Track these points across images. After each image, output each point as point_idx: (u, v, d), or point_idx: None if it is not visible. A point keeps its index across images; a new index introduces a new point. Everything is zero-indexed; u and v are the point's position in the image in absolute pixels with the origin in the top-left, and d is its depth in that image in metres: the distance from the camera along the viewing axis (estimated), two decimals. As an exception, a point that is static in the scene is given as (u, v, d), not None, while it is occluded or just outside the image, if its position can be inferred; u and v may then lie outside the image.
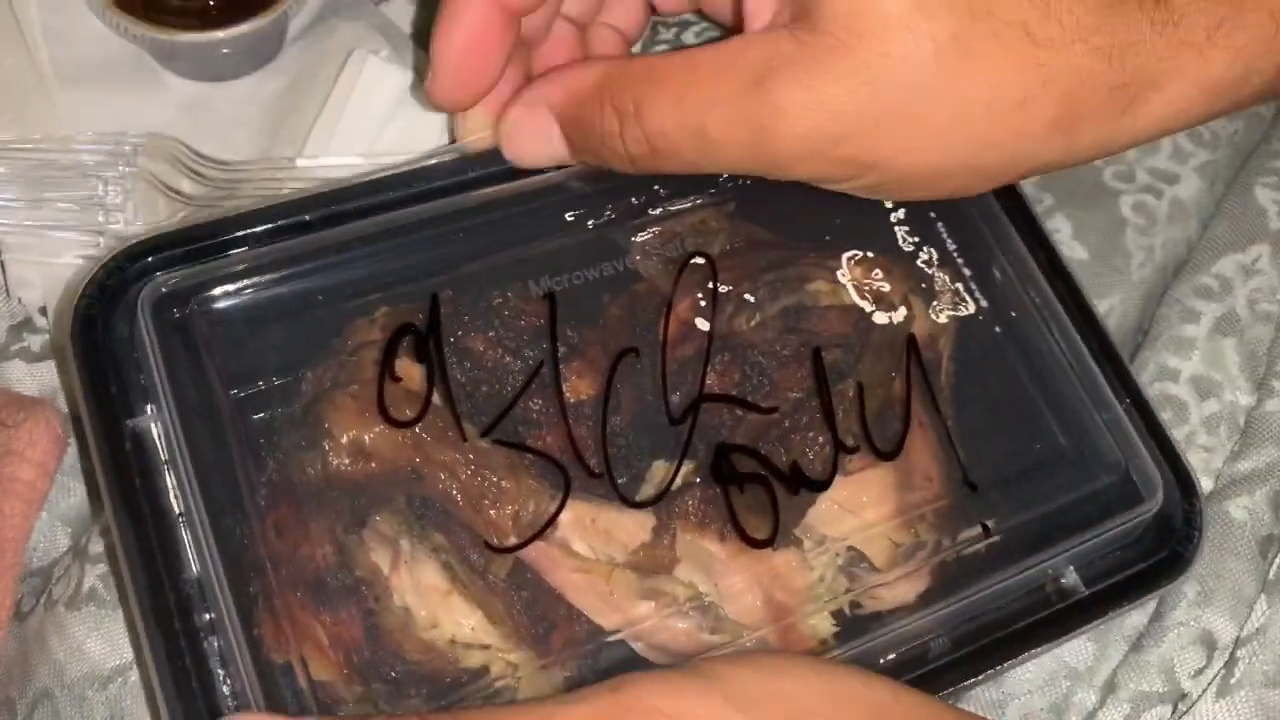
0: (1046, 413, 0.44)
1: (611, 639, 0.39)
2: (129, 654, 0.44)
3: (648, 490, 0.41)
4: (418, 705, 0.37)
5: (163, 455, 0.39)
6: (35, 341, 0.51)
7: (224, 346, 0.41)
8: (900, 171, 0.39)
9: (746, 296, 0.44)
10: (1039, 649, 0.41)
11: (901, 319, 0.45)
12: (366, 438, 0.39)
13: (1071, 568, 0.42)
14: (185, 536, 0.38)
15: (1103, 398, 0.44)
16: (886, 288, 0.45)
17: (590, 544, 0.39)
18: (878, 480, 0.42)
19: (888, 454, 0.41)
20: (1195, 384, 0.49)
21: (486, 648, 0.38)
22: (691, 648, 0.39)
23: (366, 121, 0.52)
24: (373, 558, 0.39)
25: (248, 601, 0.37)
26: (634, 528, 0.39)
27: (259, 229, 0.43)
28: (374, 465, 0.39)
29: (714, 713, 0.31)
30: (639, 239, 0.46)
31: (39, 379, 0.51)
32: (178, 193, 0.50)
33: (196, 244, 0.42)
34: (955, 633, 0.40)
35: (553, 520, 0.39)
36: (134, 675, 0.44)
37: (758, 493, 0.40)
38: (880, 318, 0.44)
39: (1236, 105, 0.39)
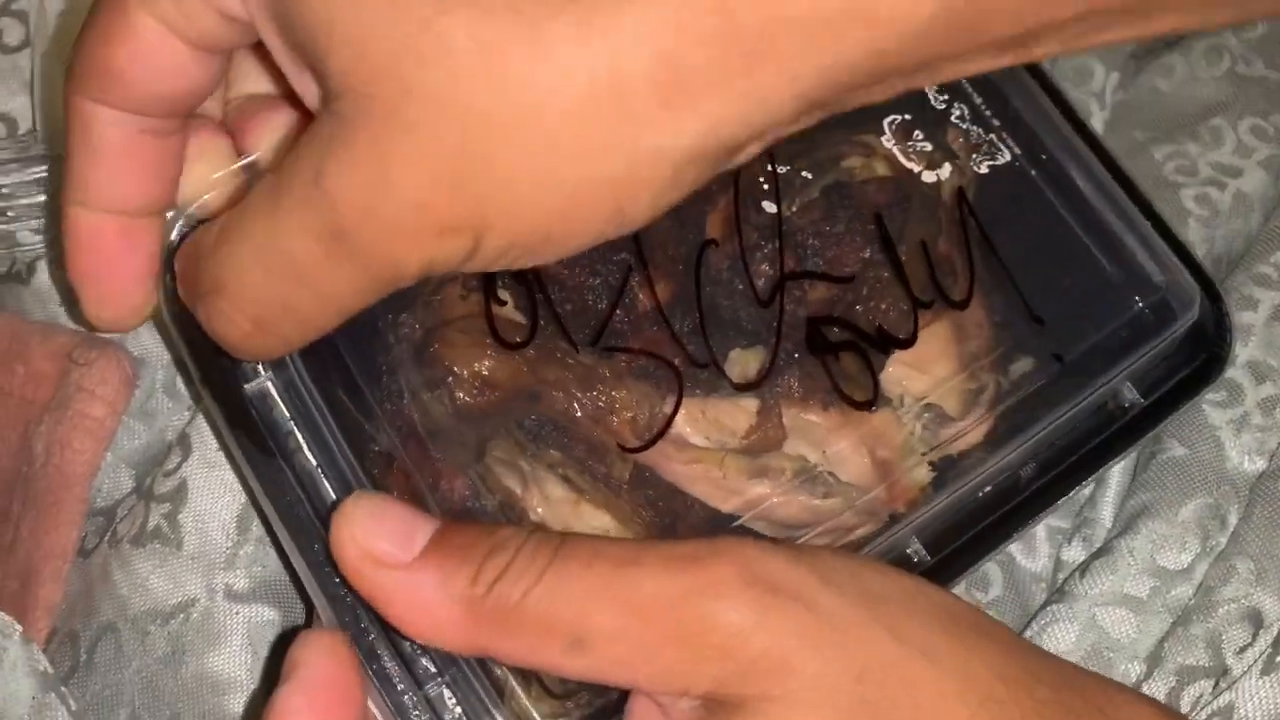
0: (1090, 244, 0.48)
1: (732, 522, 0.43)
2: (191, 591, 0.46)
3: (749, 373, 0.44)
4: None
5: (287, 413, 0.40)
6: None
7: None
8: (518, 227, 0.29)
9: (782, 181, 0.47)
10: (1114, 461, 0.47)
11: (948, 174, 0.48)
12: (485, 368, 0.42)
13: (1129, 384, 0.46)
14: (327, 488, 0.40)
15: (1135, 223, 0.48)
16: (929, 146, 0.48)
17: (704, 435, 0.43)
18: (937, 336, 0.46)
19: (961, 303, 0.45)
20: (1252, 368, 0.51)
21: None
22: (808, 517, 0.43)
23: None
24: (505, 482, 0.42)
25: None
26: (740, 413, 0.43)
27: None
28: (495, 394, 0.42)
29: (800, 578, 0.32)
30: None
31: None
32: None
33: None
34: (1040, 460, 0.45)
35: (671, 419, 0.41)
36: (196, 612, 0.46)
37: (851, 359, 0.44)
38: (929, 176, 0.48)
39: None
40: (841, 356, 0.44)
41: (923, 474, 0.45)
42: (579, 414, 0.42)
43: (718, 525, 0.43)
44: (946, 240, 0.47)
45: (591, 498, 0.42)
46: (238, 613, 0.45)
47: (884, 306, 0.45)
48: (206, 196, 0.38)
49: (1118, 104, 0.59)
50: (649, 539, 0.41)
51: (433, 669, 0.37)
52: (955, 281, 0.46)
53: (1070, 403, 0.45)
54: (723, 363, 0.45)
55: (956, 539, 0.44)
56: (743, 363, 0.45)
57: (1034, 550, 0.50)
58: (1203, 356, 0.47)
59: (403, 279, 0.30)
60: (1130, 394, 0.47)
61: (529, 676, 0.37)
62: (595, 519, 0.42)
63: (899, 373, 0.45)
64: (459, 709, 0.37)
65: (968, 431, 0.45)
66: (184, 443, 0.47)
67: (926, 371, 0.45)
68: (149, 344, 0.50)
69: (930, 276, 0.46)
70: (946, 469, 0.45)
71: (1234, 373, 0.51)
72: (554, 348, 0.42)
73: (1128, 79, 0.58)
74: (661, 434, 0.42)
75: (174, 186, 0.37)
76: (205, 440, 0.47)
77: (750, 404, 0.43)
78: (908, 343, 0.44)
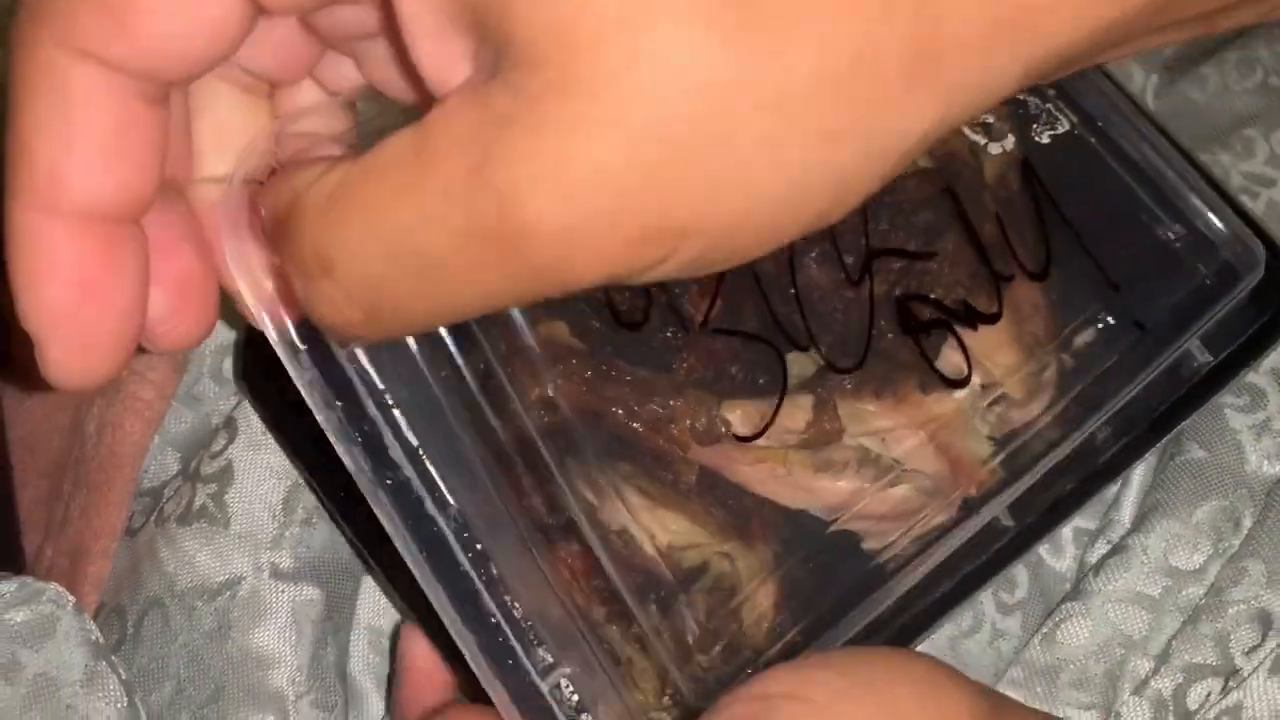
0: (1155, 208, 0.49)
1: (805, 519, 0.45)
2: (238, 568, 0.47)
3: (803, 374, 0.46)
4: (654, 612, 0.41)
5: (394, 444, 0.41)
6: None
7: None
8: (725, 225, 0.25)
9: None
10: (1186, 420, 0.48)
11: (1012, 145, 0.49)
12: (549, 393, 0.43)
13: (1199, 343, 0.47)
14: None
15: (1197, 184, 0.48)
16: (991, 119, 0.49)
17: (764, 435, 0.44)
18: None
19: (1039, 274, 0.46)
20: (1275, 375, 0.52)
21: (699, 545, 0.44)
22: (875, 507, 0.44)
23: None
24: (584, 495, 0.44)
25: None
26: (796, 410, 0.44)
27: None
28: (559, 416, 0.43)
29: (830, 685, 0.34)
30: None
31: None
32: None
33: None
34: (1114, 424, 0.46)
35: (779, 407, 0.44)
36: (242, 589, 0.47)
37: (905, 346, 0.45)
38: (994, 148, 0.48)
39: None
40: (899, 343, 0.45)
41: (987, 453, 0.46)
42: (640, 427, 0.44)
43: (787, 519, 0.45)
44: (994, 222, 0.48)
45: (665, 503, 0.43)
46: (283, 591, 0.47)
47: (970, 280, 0.45)
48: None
49: (1152, 114, 0.60)
50: (722, 533, 0.43)
51: (549, 659, 0.40)
52: (1005, 266, 0.47)
53: (1146, 369, 0.46)
54: (781, 368, 0.46)
55: (1034, 509, 0.45)
56: (799, 366, 0.46)
57: (1060, 550, 0.52)
58: (1270, 313, 0.48)
59: (569, 290, 0.25)
60: (1202, 356, 0.47)
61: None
62: (672, 522, 0.43)
63: (956, 358, 0.46)
64: (575, 697, 0.40)
65: (1034, 411, 0.46)
66: (230, 426, 0.49)
67: (984, 354, 0.46)
68: (197, 329, 0.52)
69: (1008, 248, 0.46)
70: (1016, 448, 0.46)
71: (1256, 378, 0.52)
72: (610, 366, 0.44)
73: (1163, 88, 0.59)
74: (717, 439, 0.43)
75: (160, 177, 0.28)
76: (251, 423, 0.48)
77: (805, 400, 0.44)
78: (995, 317, 0.45)
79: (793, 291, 0.47)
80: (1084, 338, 0.48)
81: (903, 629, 0.42)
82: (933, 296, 0.46)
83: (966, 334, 0.46)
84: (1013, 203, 0.50)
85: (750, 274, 0.48)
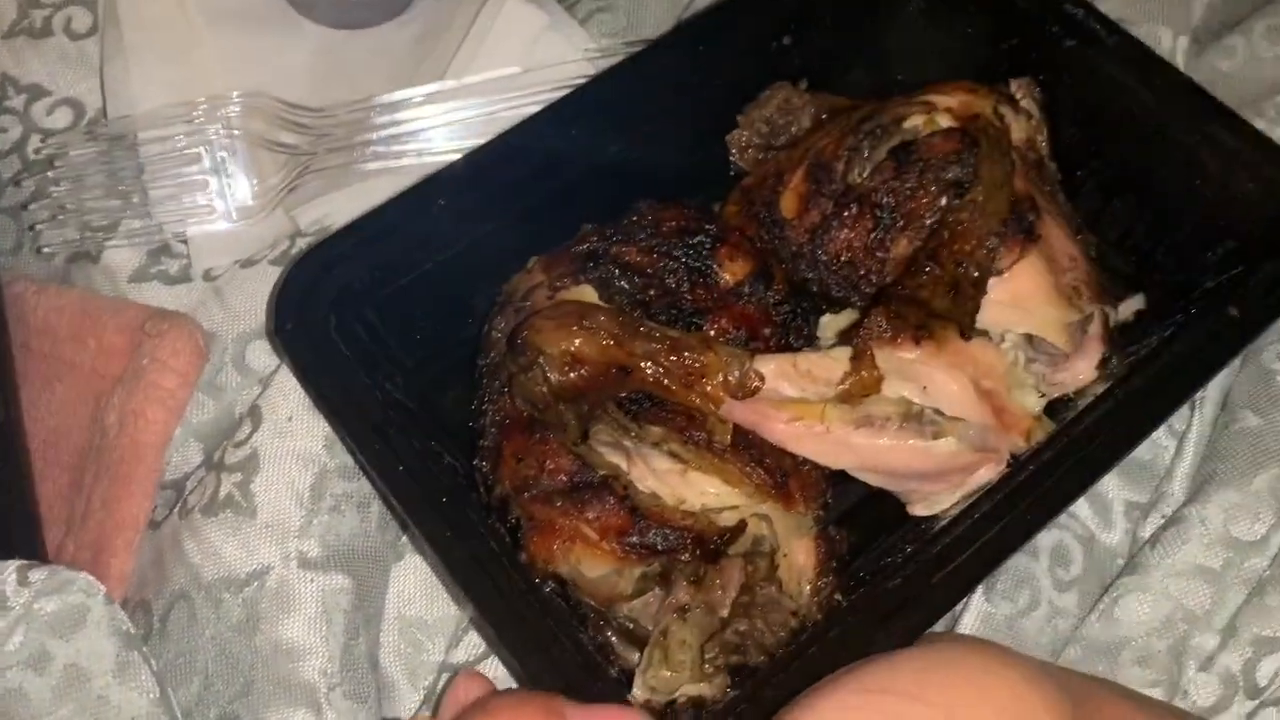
0: (1193, 167, 0.48)
1: (841, 475, 0.44)
2: (265, 558, 0.46)
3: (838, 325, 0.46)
4: (694, 567, 0.39)
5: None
6: (173, 265, 0.54)
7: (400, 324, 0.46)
8: None
9: (849, 152, 0.48)
10: (1222, 366, 0.46)
11: (1037, 113, 0.50)
12: (574, 346, 0.43)
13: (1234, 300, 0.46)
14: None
15: (1235, 144, 0.48)
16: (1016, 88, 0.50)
17: (800, 389, 0.42)
18: (1028, 271, 0.45)
19: (1074, 230, 0.46)
20: None
21: (736, 507, 0.42)
22: (924, 463, 0.42)
23: (503, 59, 0.53)
24: (609, 458, 0.43)
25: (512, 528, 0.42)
26: (833, 363, 0.43)
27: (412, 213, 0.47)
28: (585, 371, 0.43)
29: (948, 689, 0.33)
30: (732, 136, 0.51)
31: (177, 299, 0.53)
32: (281, 145, 0.52)
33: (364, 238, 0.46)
34: (1145, 373, 0.44)
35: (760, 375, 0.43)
36: (271, 579, 0.45)
37: (942, 296, 0.44)
38: (1019, 112, 0.49)
39: None
40: (934, 294, 0.44)
41: (1033, 401, 0.45)
42: (670, 383, 0.42)
43: (827, 479, 0.43)
44: (1023, 178, 0.47)
45: (698, 465, 0.42)
46: (312, 580, 0.45)
47: (968, 247, 0.45)
48: None
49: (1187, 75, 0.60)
50: (759, 494, 0.42)
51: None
52: (1037, 216, 0.46)
53: (1188, 326, 0.45)
54: (814, 330, 0.46)
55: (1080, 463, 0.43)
56: (834, 327, 0.46)
57: (1111, 524, 0.50)
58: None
59: None
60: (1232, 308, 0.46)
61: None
62: (705, 484, 0.42)
63: (996, 312, 0.45)
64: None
65: (1080, 365, 0.45)
66: (254, 414, 0.48)
67: (1023, 307, 0.45)
68: (219, 318, 0.51)
69: (1032, 205, 0.46)
70: (1062, 400, 0.45)
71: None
72: (637, 323, 0.43)
73: (1191, 61, 0.59)
74: (751, 393, 0.42)
75: None
76: (276, 411, 0.47)
77: (842, 353, 0.43)
78: (998, 271, 0.45)
79: (822, 251, 0.46)
80: (1127, 302, 0.47)
81: (946, 589, 0.40)
82: (966, 248, 0.45)
83: (1005, 284, 0.45)
84: (1041, 164, 0.49)
85: (781, 234, 0.48)
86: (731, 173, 0.52)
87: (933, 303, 0.44)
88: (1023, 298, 0.45)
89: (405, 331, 0.47)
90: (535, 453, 0.42)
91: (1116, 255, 0.50)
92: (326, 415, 0.45)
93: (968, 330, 0.43)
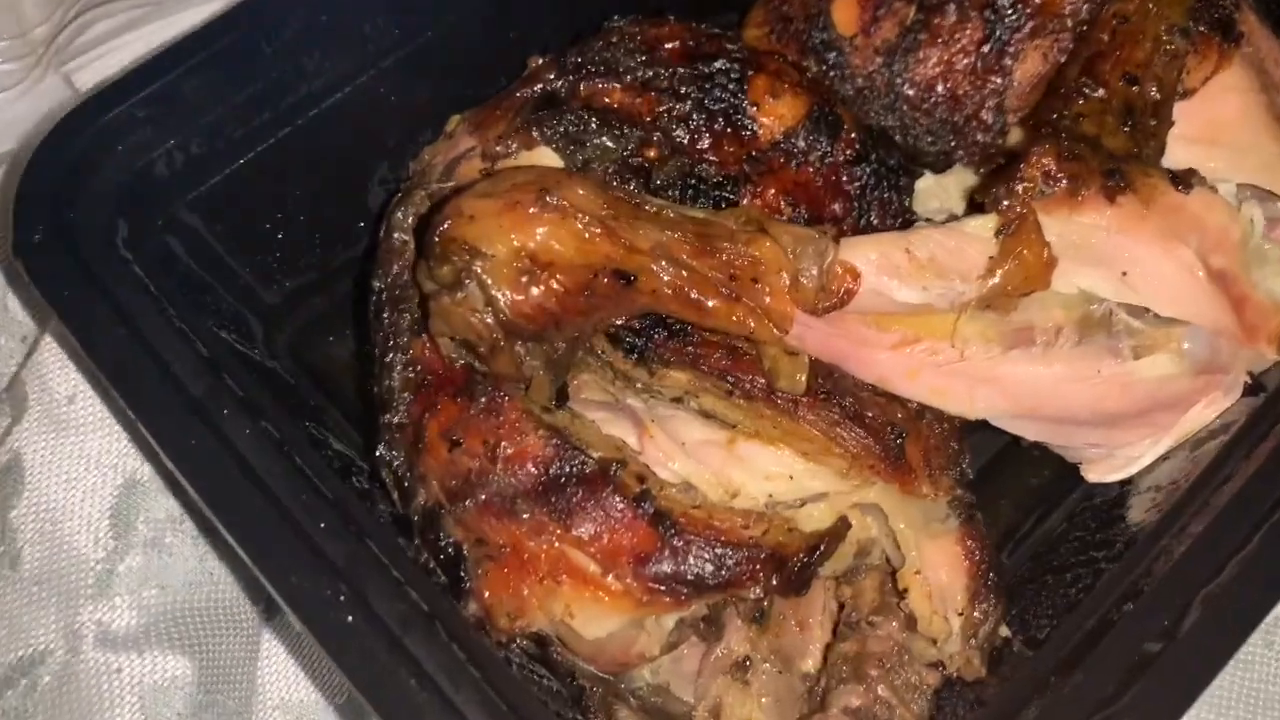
0: None
1: (983, 430, 0.29)
2: (39, 639, 0.30)
3: (951, 206, 0.29)
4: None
5: None
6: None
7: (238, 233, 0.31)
8: None
9: None
10: None
11: None
12: (534, 240, 0.26)
13: None
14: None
15: None
16: None
17: (916, 289, 0.27)
18: (1228, 89, 0.31)
19: (1233, 36, 0.31)
20: None
21: (822, 496, 0.27)
22: (1112, 400, 0.27)
23: None
24: (607, 431, 0.27)
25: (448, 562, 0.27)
26: (969, 244, 0.27)
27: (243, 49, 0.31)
28: (555, 283, 0.26)
29: None
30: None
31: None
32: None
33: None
34: None
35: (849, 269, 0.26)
36: (46, 672, 0.30)
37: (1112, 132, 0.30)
38: None
39: None
40: (1101, 128, 0.29)
41: None
42: (699, 295, 0.26)
43: (972, 443, 0.29)
44: None
45: (752, 429, 0.27)
46: (119, 670, 0.28)
47: (1140, 54, 0.30)
48: None
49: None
50: (859, 470, 0.27)
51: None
52: (1236, 6, 0.32)
53: None
54: (906, 201, 0.31)
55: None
56: (939, 194, 0.31)
57: None
58: None
59: None
60: None
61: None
62: (767, 460, 0.27)
63: (1184, 153, 0.30)
64: None
65: None
66: (15, 394, 0.30)
67: (1221, 141, 0.30)
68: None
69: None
70: None
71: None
72: (636, 198, 0.27)
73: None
74: (844, 302, 0.26)
75: None
76: (48, 388, 0.30)
77: (982, 225, 0.27)
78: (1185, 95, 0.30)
79: (906, 82, 0.31)
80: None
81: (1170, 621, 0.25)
82: (1138, 55, 0.30)
83: (1197, 109, 0.29)
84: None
85: (839, 59, 0.32)
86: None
87: (1102, 140, 0.29)
88: (1221, 127, 0.31)
89: (249, 246, 0.31)
90: (478, 429, 0.26)
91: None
92: (118, 389, 0.27)
93: (1183, 178, 0.27)
